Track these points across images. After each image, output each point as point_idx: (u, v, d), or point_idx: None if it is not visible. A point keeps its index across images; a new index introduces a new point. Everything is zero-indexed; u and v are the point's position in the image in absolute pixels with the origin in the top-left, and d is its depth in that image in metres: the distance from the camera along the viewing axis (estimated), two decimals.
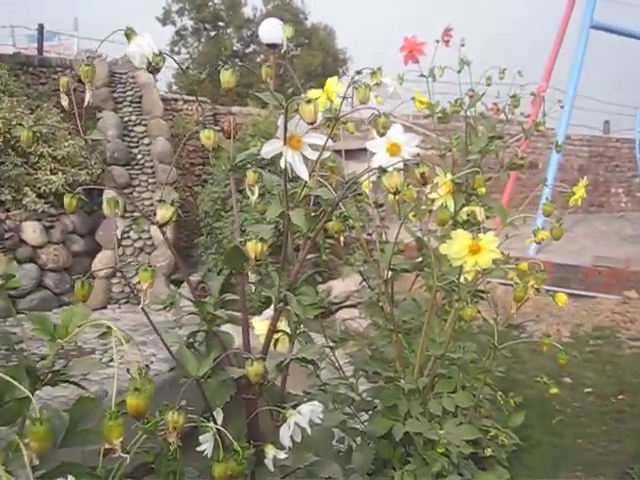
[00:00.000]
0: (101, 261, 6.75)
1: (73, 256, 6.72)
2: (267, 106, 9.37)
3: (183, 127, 8.19)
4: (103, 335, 1.03)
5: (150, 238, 6.94)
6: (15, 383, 0.85)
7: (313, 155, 1.35)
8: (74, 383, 1.15)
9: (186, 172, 8.26)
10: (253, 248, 1.39)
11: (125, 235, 6.93)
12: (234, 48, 22.34)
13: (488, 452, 2.12)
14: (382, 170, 1.32)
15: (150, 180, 7.21)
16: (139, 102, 7.63)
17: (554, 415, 3.99)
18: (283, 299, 1.49)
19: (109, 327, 1.00)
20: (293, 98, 1.25)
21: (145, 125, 7.47)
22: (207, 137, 1.42)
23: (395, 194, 1.31)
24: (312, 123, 1.20)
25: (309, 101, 1.19)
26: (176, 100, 8.88)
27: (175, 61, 1.62)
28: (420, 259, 2.22)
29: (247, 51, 22.89)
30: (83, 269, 6.79)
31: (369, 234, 2.22)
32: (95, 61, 7.66)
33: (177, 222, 6.98)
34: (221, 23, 22.31)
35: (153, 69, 1.35)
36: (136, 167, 7.24)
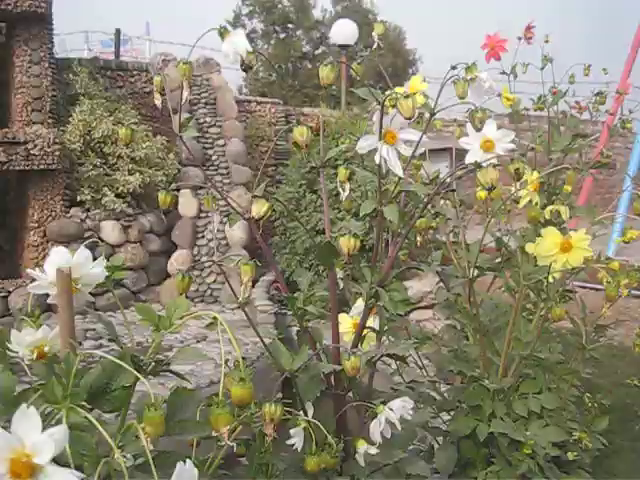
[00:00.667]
0: (177, 260, 6.87)
1: (150, 255, 6.86)
2: (338, 106, 9.40)
3: (256, 128, 8.27)
4: (210, 326, 1.05)
5: (224, 238, 7.03)
6: (129, 368, 0.87)
7: (407, 151, 1.35)
8: (176, 373, 1.18)
9: (259, 173, 8.32)
10: (346, 243, 1.40)
11: (200, 235, 7.04)
12: (303, 50, 22.42)
13: (571, 456, 2.07)
14: (477, 165, 1.31)
15: (225, 181, 7.31)
16: (214, 104, 7.74)
17: (636, 421, 3.89)
18: (374, 295, 1.49)
19: (215, 317, 1.02)
20: (389, 93, 1.25)
21: (220, 126, 7.58)
22: (300, 134, 1.43)
23: (490, 190, 1.30)
24: (410, 118, 1.20)
25: (407, 96, 1.19)
26: (249, 102, 8.98)
27: (265, 57, 1.64)
28: (499, 259, 2.19)
29: (316, 53, 22.94)
30: (159, 268, 6.93)
31: (447, 234, 2.21)
32: (170, 64, 7.81)
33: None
34: (290, 25, 22.42)
35: (246, 66, 1.37)
36: (211, 168, 7.35)
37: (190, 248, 6.96)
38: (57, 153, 6.30)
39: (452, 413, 2.18)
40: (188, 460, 0.76)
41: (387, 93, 1.27)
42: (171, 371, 1.15)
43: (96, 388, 1.01)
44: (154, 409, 0.85)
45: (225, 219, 7.12)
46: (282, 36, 22.54)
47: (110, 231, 6.56)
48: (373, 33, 1.60)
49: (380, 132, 1.32)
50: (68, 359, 0.92)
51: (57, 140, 6.33)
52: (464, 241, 2.08)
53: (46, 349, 1.17)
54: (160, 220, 7.02)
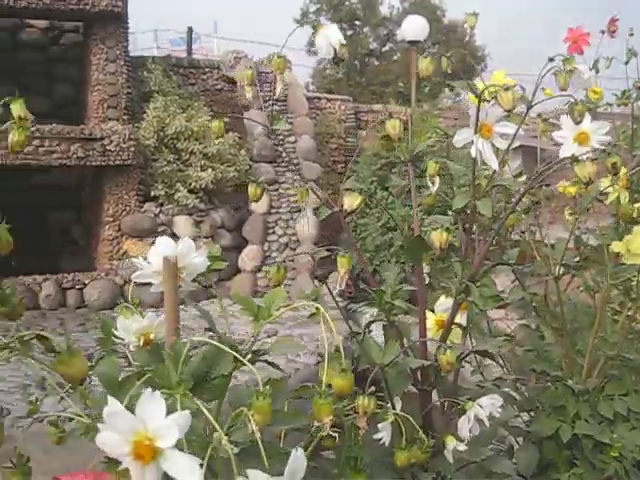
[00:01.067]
0: (247, 255, 6.94)
1: (221, 250, 6.94)
2: (407, 103, 9.35)
3: (326, 125, 8.29)
4: (312, 316, 1.05)
5: (295, 234, 7.07)
6: (236, 355, 0.88)
7: (502, 144, 1.33)
8: (271, 364, 1.18)
9: (329, 170, 8.35)
10: (438, 237, 1.39)
11: (270, 231, 7.09)
12: (370, 47, 22.37)
13: None
14: (574, 159, 1.29)
15: (295, 177, 7.35)
16: (284, 101, 7.78)
17: None
18: (465, 290, 1.48)
19: (317, 308, 1.02)
20: (488, 85, 1.23)
21: (291, 123, 7.62)
22: (393, 127, 1.42)
23: (587, 185, 1.28)
24: (511, 110, 1.18)
25: (507, 88, 1.18)
26: (319, 99, 9.00)
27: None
28: (577, 258, 2.15)
29: (384, 49, 22.86)
30: (230, 263, 7.01)
31: (522, 232, 2.17)
32: (242, 61, 7.89)
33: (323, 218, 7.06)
34: (358, 22, 22.39)
35: (339, 59, 1.37)
36: (282, 164, 7.40)
37: (261, 244, 7.02)
38: (132, 149, 6.43)
39: (532, 413, 2.14)
40: (300, 448, 0.77)
41: (486, 85, 1.25)
42: (267, 361, 1.16)
43: (197, 376, 1.03)
44: (262, 398, 0.86)
45: (295, 215, 7.17)
46: (349, 33, 22.51)
47: (183, 226, 6.66)
48: (465, 25, 1.57)
49: (476, 125, 1.30)
50: (177, 346, 0.94)
51: (132, 136, 6.46)
52: (546, 239, 2.04)
53: (152, 336, 1.19)
54: (231, 216, 7.10)
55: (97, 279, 6.59)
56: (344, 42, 1.35)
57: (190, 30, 9.52)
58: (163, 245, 1.21)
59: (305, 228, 6.96)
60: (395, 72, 20.17)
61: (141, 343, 1.20)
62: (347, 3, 22.15)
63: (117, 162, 6.44)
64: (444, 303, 1.66)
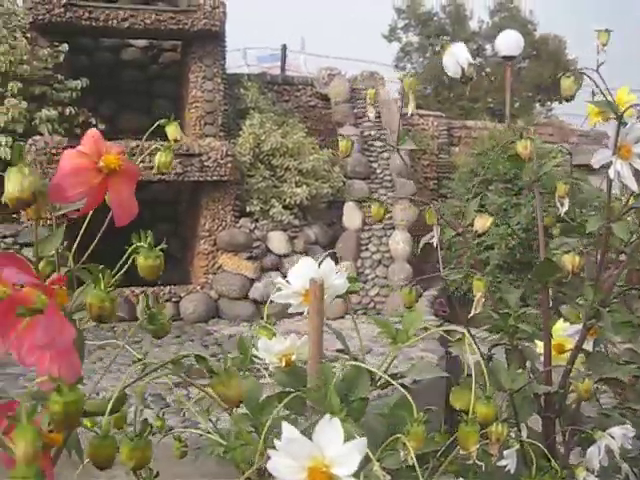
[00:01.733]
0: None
1: None
2: (501, 118, 9.22)
3: (419, 141, 8.25)
4: (457, 342, 1.03)
5: (388, 251, 7.05)
6: (382, 377, 0.87)
7: None
8: (406, 387, 1.17)
9: (421, 186, 8.31)
10: (571, 260, 1.35)
11: (364, 247, 7.09)
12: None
13: None
14: None
15: (389, 194, 7.33)
16: (378, 117, 7.79)
17: None
18: (595, 315, 1.43)
19: (464, 334, 1.00)
20: (631, 104, 1.19)
21: (384, 140, 7.62)
22: (524, 147, 1.39)
23: None
24: None
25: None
26: (412, 115, 8.96)
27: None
28: None
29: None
30: None
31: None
32: (336, 78, 7.94)
33: (414, 236, 7.04)
34: (446, 37, 22.25)
35: (467, 79, 1.36)
36: (375, 181, 7.40)
37: (354, 260, 7.02)
38: (229, 165, 6.54)
39: None
40: None
41: (628, 104, 1.21)
42: (403, 385, 1.15)
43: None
44: (418, 424, 0.85)
45: (389, 231, 7.14)
46: (438, 49, 22.38)
47: (277, 242, 6.73)
48: (597, 42, 1.53)
49: (615, 146, 1.26)
50: (326, 369, 0.94)
51: (229, 152, 6.57)
52: None
53: (293, 357, 1.20)
54: (324, 232, 7.13)
55: (193, 292, 6.72)
56: (472, 61, 1.34)
57: (284, 47, 9.65)
58: (305, 266, 1.23)
59: (399, 245, 6.93)
60: (485, 87, 19.93)
61: (283, 364, 1.20)
62: (436, 18, 22.04)
63: (214, 178, 6.56)
64: (565, 328, 1.62)
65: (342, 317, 6.74)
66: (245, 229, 6.75)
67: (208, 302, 6.69)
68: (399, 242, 7.04)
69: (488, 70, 21.43)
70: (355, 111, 7.81)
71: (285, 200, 6.79)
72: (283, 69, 9.66)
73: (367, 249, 7.11)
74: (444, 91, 20.59)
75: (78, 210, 0.85)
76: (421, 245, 1.99)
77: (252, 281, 6.63)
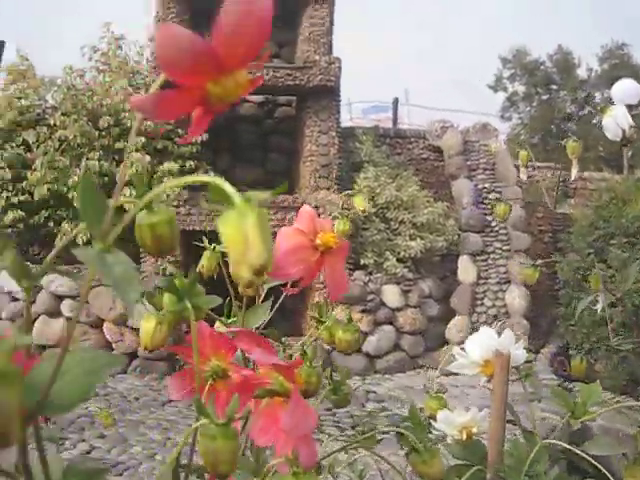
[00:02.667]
0: (455, 326, 6.83)
1: (428, 320, 6.88)
2: (616, 169, 8.95)
3: (534, 193, 8.09)
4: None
5: (504, 306, 6.89)
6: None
7: None
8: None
9: (535, 239, 8.12)
10: None
11: (479, 302, 6.95)
12: (567, 111, 21.81)
13: None
14: None
15: (504, 247, 7.19)
16: (492, 169, 7.69)
17: None
18: None
19: None
20: None
21: (499, 192, 7.51)
22: None
23: None
24: None
25: None
26: (526, 166, 8.82)
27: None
28: None
29: (581, 113, 22.20)
30: (436, 334, 6.92)
31: None
32: (449, 130, 7.91)
33: (533, 290, 6.87)
34: (553, 86, 21.95)
35: (627, 141, 1.32)
36: (490, 234, 7.28)
37: (469, 315, 6.89)
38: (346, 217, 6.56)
39: None
40: None
41: None
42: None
43: None
44: None
45: (505, 285, 6.98)
46: (545, 97, 22.10)
47: (391, 295, 6.68)
48: None
49: None
50: (517, 445, 0.89)
51: (345, 206, 6.60)
52: None
53: (474, 430, 1.16)
54: (438, 285, 7.04)
55: (305, 344, 6.72)
56: (633, 124, 1.31)
57: (396, 100, 9.72)
58: (485, 336, 1.21)
59: (515, 300, 6.77)
60: (595, 136, 19.49)
61: (464, 437, 1.17)
62: (542, 67, 21.81)
63: None
64: None
65: (457, 374, 6.60)
66: (359, 282, 6.73)
67: (321, 354, 6.67)
68: (515, 297, 6.88)
69: (598, 118, 20.97)
70: (469, 163, 7.74)
71: (399, 253, 6.75)
72: (395, 122, 9.71)
73: (482, 303, 6.97)
74: (552, 140, 20.27)
75: (296, 286, 0.86)
76: (579, 310, 1.90)
77: (365, 334, 6.59)
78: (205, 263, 1.00)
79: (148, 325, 0.83)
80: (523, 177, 1.38)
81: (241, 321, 0.94)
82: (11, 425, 0.36)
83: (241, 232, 0.43)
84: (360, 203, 1.13)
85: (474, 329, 6.86)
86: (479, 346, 1.20)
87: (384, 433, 1.02)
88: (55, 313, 6.36)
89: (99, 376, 0.47)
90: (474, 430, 1.18)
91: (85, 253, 0.45)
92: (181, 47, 0.43)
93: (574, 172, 1.36)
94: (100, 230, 0.46)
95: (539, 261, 1.93)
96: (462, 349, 1.24)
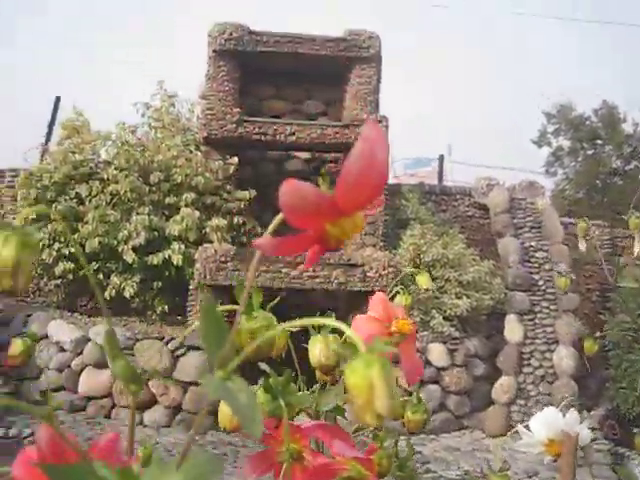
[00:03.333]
0: (501, 387, 6.73)
1: (473, 380, 6.80)
2: None
3: (583, 252, 8.01)
4: None
5: (552, 367, 6.78)
6: None
7: None
8: None
9: (583, 298, 8.02)
10: None
11: (526, 362, 6.86)
12: (613, 165, 21.65)
13: None
14: None
15: (552, 307, 7.10)
16: (539, 227, 7.65)
17: None
18: None
19: None
20: None
21: (546, 251, 7.45)
22: None
23: None
24: None
25: None
26: (573, 224, 8.77)
27: None
28: None
29: (627, 168, 22.02)
30: (482, 394, 6.83)
31: None
32: (495, 188, 7.91)
33: (579, 351, 6.76)
34: (599, 141, 21.84)
35: None
36: (537, 293, 7.20)
37: (515, 375, 6.79)
38: (391, 276, 6.57)
39: None
40: None
41: None
42: None
43: None
44: None
45: (552, 346, 6.89)
46: (590, 152, 21.99)
47: (437, 354, 6.63)
48: None
49: None
50: None
51: (391, 263, 6.62)
52: None
53: None
54: (484, 344, 6.97)
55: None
56: None
57: (441, 158, 9.77)
58: (550, 416, 1.23)
59: (563, 361, 6.67)
60: None
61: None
62: (588, 122, 21.75)
63: (376, 288, 6.58)
64: None
65: (502, 435, 6.49)
66: None
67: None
68: (563, 357, 6.77)
69: None
70: (515, 221, 7.71)
71: (445, 311, 6.72)
72: (440, 179, 9.75)
73: (529, 364, 6.86)
74: (597, 196, 20.12)
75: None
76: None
77: (410, 394, 6.52)
78: (277, 342, 1.03)
79: (227, 408, 0.85)
80: (582, 248, 1.40)
81: (315, 401, 0.96)
82: None
83: (367, 381, 0.46)
84: (424, 282, 1.15)
85: (520, 390, 6.76)
86: (544, 425, 1.22)
87: None
88: (102, 364, 6.42)
89: None
90: None
91: (208, 382, 0.47)
92: (305, 198, 0.47)
93: (637, 248, 1.37)
94: (220, 357, 0.49)
95: (597, 333, 1.93)
96: (527, 427, 1.25)
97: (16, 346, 0.88)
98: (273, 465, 0.87)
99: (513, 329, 6.94)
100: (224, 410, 0.83)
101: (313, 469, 0.78)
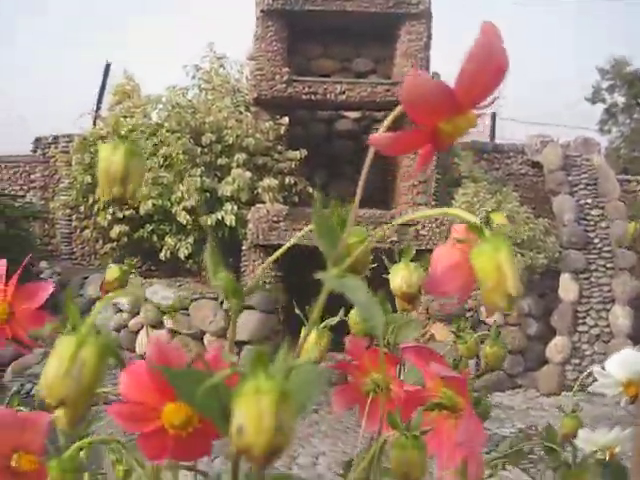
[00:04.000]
0: (555, 346, 6.67)
1: (527, 339, 6.75)
2: None
3: (638, 209, 7.86)
4: None
5: (608, 326, 6.69)
6: None
7: None
8: None
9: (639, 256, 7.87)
10: None
11: (580, 321, 6.78)
12: None
13: None
14: None
15: (608, 265, 6.98)
16: (595, 185, 7.50)
17: None
18: None
19: None
20: None
21: (602, 208, 7.31)
22: None
23: None
24: None
25: None
26: (629, 181, 8.59)
27: None
28: None
29: None
30: (536, 353, 6.78)
31: None
32: (549, 145, 7.77)
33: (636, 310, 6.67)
34: None
35: None
36: (593, 251, 7.08)
37: (569, 334, 6.72)
38: (444, 235, 6.53)
39: None
40: None
41: None
42: None
43: None
44: None
45: (609, 305, 6.79)
46: None
47: (486, 313, 6.59)
48: None
49: None
50: None
51: (444, 222, 6.56)
52: None
53: (616, 450, 1.16)
54: (537, 303, 6.89)
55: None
56: None
57: (494, 116, 9.60)
58: (629, 356, 1.21)
59: (618, 320, 6.57)
60: None
61: (607, 457, 1.17)
62: None
63: (429, 246, 6.54)
64: None
65: (556, 394, 6.45)
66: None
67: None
68: (619, 316, 6.67)
69: None
70: (570, 179, 7.56)
71: None
72: (493, 137, 9.60)
73: (584, 323, 6.78)
74: None
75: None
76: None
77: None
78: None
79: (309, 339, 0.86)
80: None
81: (394, 335, 0.96)
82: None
83: (495, 263, 0.46)
84: (500, 219, 1.14)
85: (575, 349, 6.69)
86: (622, 366, 1.20)
87: (530, 445, 1.02)
88: (158, 324, 6.54)
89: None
90: (616, 450, 1.17)
91: (327, 277, 0.47)
92: (429, 92, 0.46)
93: None
94: (335, 256, 0.49)
95: None
96: (603, 369, 1.24)
97: (112, 272, 0.89)
98: (358, 398, 0.86)
99: (568, 288, 6.85)
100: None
101: (402, 397, 0.78)
